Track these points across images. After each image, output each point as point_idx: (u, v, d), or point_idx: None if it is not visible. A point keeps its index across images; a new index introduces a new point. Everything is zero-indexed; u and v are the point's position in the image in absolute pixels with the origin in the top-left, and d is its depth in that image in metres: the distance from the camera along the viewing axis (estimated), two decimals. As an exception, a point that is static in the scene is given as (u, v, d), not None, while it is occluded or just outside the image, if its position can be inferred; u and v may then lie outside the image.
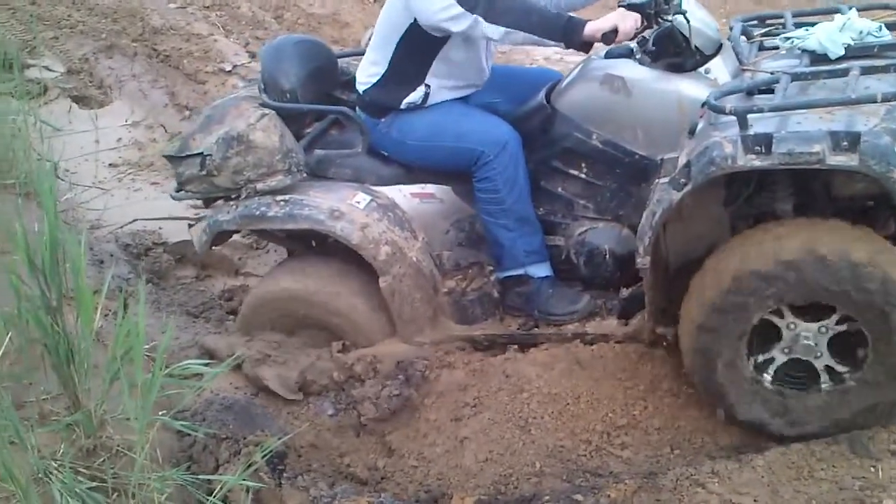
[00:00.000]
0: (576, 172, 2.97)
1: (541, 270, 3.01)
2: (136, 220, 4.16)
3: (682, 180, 2.45)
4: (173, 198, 3.11)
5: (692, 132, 2.56)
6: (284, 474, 2.44)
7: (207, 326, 3.39)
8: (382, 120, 3.03)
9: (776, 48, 2.82)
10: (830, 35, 2.61)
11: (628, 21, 2.62)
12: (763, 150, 2.32)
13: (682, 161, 2.49)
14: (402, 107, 2.99)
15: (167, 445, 2.42)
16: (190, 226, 4.10)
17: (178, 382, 2.28)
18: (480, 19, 2.68)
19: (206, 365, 2.51)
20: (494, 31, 2.71)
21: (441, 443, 2.73)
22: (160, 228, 4.09)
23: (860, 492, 2.30)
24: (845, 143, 2.25)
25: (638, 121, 2.79)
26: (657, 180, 2.59)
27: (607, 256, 2.96)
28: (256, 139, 2.86)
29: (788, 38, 2.77)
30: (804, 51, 2.66)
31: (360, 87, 3.07)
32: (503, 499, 2.53)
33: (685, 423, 2.74)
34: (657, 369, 2.84)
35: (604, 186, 2.95)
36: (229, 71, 5.63)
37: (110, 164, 4.77)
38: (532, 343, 2.97)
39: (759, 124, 2.37)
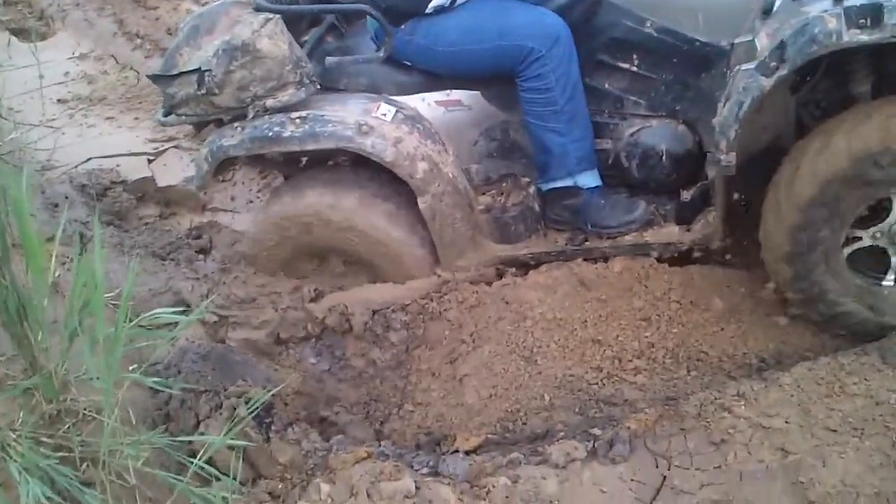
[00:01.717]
0: (626, 65, 2.72)
1: (591, 179, 2.77)
2: (91, 158, 3.82)
3: (774, 64, 2.23)
4: (161, 123, 2.74)
5: (767, 11, 2.36)
6: (272, 427, 2.22)
7: (178, 269, 3.12)
8: (402, 27, 2.68)
9: None
10: None
11: None
12: (871, 23, 2.10)
13: (765, 43, 2.27)
14: (429, 11, 2.67)
15: (140, 404, 2.19)
16: (150, 160, 3.90)
17: (147, 334, 2.04)
18: None
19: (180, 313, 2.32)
20: None
21: (437, 387, 2.53)
22: (118, 166, 3.77)
23: (897, 405, 2.13)
24: None
25: (699, 3, 2.58)
26: (738, 67, 2.35)
27: (664, 157, 2.74)
28: (263, 48, 2.50)
29: None
30: None
31: None
32: (512, 436, 2.34)
33: (699, 340, 2.57)
34: (664, 282, 2.66)
35: (658, 79, 2.71)
36: (182, -6, 5.25)
37: (58, 101, 4.39)
38: (586, 258, 2.75)
39: None
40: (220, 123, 2.71)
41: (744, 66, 2.32)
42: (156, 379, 2.05)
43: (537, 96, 2.65)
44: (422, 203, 2.65)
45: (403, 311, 2.67)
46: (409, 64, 2.77)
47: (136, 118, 4.26)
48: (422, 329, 2.63)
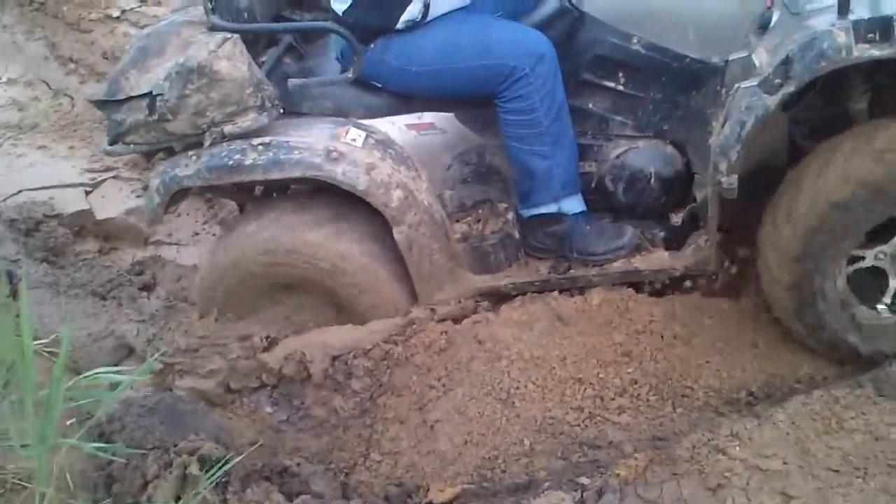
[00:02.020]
0: (611, 84, 2.59)
1: (575, 205, 2.63)
2: (22, 190, 3.58)
3: (778, 81, 2.12)
4: (107, 153, 2.53)
5: (764, 26, 2.28)
6: (229, 487, 2.01)
7: (120, 310, 2.89)
8: (371, 46, 2.51)
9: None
10: None
11: None
12: (881, 38, 2.02)
13: (765, 59, 2.18)
14: (400, 27, 2.50)
15: (79, 466, 1.97)
16: (87, 192, 3.66)
17: (86, 394, 1.82)
18: None
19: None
20: None
21: (406, 435, 2.34)
22: (52, 198, 3.51)
23: (899, 439, 2.02)
24: None
25: (689, 18, 2.47)
26: (737, 85, 2.24)
27: (652, 179, 2.61)
28: (221, 70, 2.30)
29: None
30: None
31: (339, 7, 2.53)
32: (491, 486, 2.16)
33: (683, 374, 2.42)
34: (645, 314, 2.52)
35: (645, 98, 2.58)
36: (118, 17, 5.00)
37: (-15, 129, 4.15)
38: (570, 288, 2.60)
39: (860, 9, 2.07)
40: (170, 152, 2.50)
41: (744, 84, 2.21)
42: (97, 445, 1.83)
43: (520, 118, 2.50)
44: (398, 234, 2.46)
45: (365, 357, 2.47)
46: (378, 85, 2.61)
47: (71, 147, 4.01)
48: (386, 375, 2.44)
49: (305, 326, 2.62)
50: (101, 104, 2.44)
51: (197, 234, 3.52)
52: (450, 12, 2.54)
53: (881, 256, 2.32)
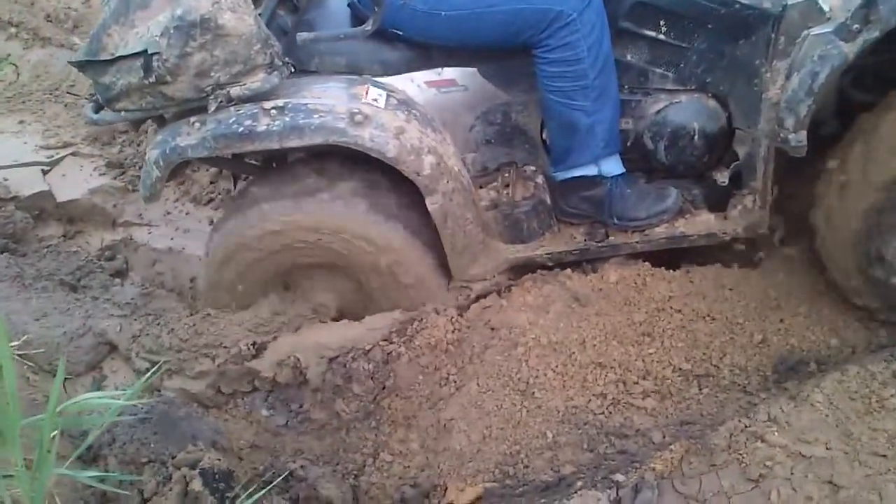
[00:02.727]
0: (652, 33, 2.38)
1: (615, 166, 2.45)
2: (-29, 172, 3.32)
3: (857, 27, 1.97)
4: (94, 122, 2.26)
5: None
6: (227, 495, 1.85)
7: (96, 303, 2.66)
8: None
9: None
10: None
11: None
12: None
13: (837, 3, 2.04)
14: None
15: (69, 488, 1.79)
16: (44, 171, 3.39)
17: (75, 423, 1.64)
18: None
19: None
20: None
21: (415, 437, 2.19)
22: (5, 180, 3.26)
23: (946, 416, 1.92)
24: None
25: None
26: (806, 32, 2.10)
27: (695, 136, 2.44)
28: (227, 24, 2.03)
29: None
30: None
31: None
32: (514, 484, 2.02)
33: (706, 351, 2.30)
34: (664, 290, 2.39)
35: (689, 48, 2.38)
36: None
37: (-82, 106, 3.85)
38: (610, 256, 2.47)
39: None
40: (160, 120, 2.29)
41: (814, 31, 2.07)
42: (91, 474, 1.65)
43: (565, 69, 2.28)
44: (431, 204, 2.28)
45: (365, 359, 2.30)
46: (398, 35, 2.37)
47: (21, 122, 3.74)
48: (390, 378, 2.28)
49: (325, 309, 2.48)
50: (83, 65, 2.16)
51: (169, 213, 3.30)
52: None
53: None
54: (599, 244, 2.47)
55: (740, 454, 1.89)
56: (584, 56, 2.26)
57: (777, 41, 2.21)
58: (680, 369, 2.24)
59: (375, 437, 2.23)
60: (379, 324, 2.36)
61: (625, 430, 2.10)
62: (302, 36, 2.31)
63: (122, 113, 2.19)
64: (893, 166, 2.09)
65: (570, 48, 2.25)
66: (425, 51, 2.41)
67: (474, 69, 2.43)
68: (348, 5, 2.48)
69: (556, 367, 2.20)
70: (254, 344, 2.32)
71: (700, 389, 2.21)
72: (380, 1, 2.22)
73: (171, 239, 3.14)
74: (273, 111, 2.15)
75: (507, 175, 2.52)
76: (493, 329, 2.29)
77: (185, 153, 2.19)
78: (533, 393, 2.17)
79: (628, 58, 2.43)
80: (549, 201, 2.49)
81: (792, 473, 1.83)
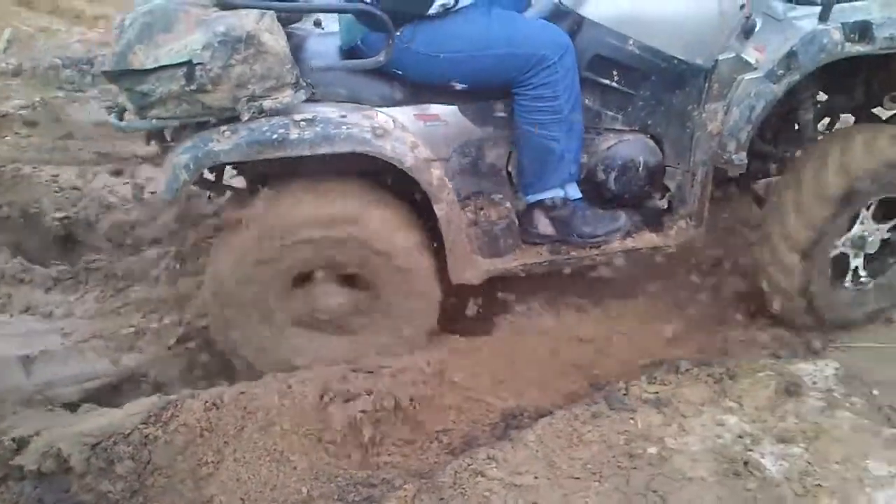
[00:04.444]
0: (607, 82, 2.81)
1: (575, 191, 2.85)
2: None
3: (782, 72, 2.66)
4: (120, 129, 2.44)
5: (748, 32, 2.73)
6: None
7: None
8: (399, 32, 2.54)
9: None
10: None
11: None
12: (862, 38, 2.62)
13: (759, 56, 2.71)
14: (433, 12, 2.58)
15: None
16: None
17: None
18: None
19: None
20: None
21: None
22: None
23: (626, 445, 2.33)
24: None
25: (679, 24, 2.74)
26: (741, 78, 2.73)
27: (640, 168, 2.88)
28: (267, 42, 2.29)
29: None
30: None
31: None
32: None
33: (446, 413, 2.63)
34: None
35: (635, 95, 2.84)
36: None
37: None
38: (574, 267, 2.91)
39: (840, 15, 2.64)
40: (160, 136, 2.51)
41: (747, 77, 2.70)
42: None
43: (543, 104, 2.66)
44: (439, 210, 2.62)
45: (126, 442, 2.37)
46: (397, 73, 2.66)
47: None
48: (150, 457, 2.37)
49: (339, 313, 2.74)
50: (117, 75, 2.31)
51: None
52: (474, 3, 2.65)
53: (846, 244, 2.88)
54: (565, 257, 2.89)
55: (463, 488, 2.20)
56: (561, 94, 2.65)
57: (711, 88, 2.77)
58: (419, 424, 2.53)
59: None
60: (136, 409, 2.47)
61: (372, 480, 2.37)
62: (315, 63, 2.58)
63: (153, 120, 2.37)
64: (840, 183, 2.69)
65: (550, 87, 2.63)
66: (417, 88, 2.69)
67: (455, 107, 2.75)
68: (350, 48, 2.72)
69: (307, 433, 2.43)
70: (13, 439, 2.36)
71: (438, 442, 2.52)
72: (393, 37, 2.50)
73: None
74: (303, 123, 2.44)
75: (477, 202, 2.87)
76: (248, 411, 2.46)
77: (217, 157, 2.41)
78: (289, 458, 2.39)
79: (586, 102, 2.85)
80: (517, 223, 2.85)
81: (505, 500, 2.17)
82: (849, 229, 2.84)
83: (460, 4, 2.62)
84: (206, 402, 2.47)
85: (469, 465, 2.26)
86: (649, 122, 2.90)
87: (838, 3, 2.64)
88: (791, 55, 2.64)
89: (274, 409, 2.47)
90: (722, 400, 2.50)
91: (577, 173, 2.86)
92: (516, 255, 2.87)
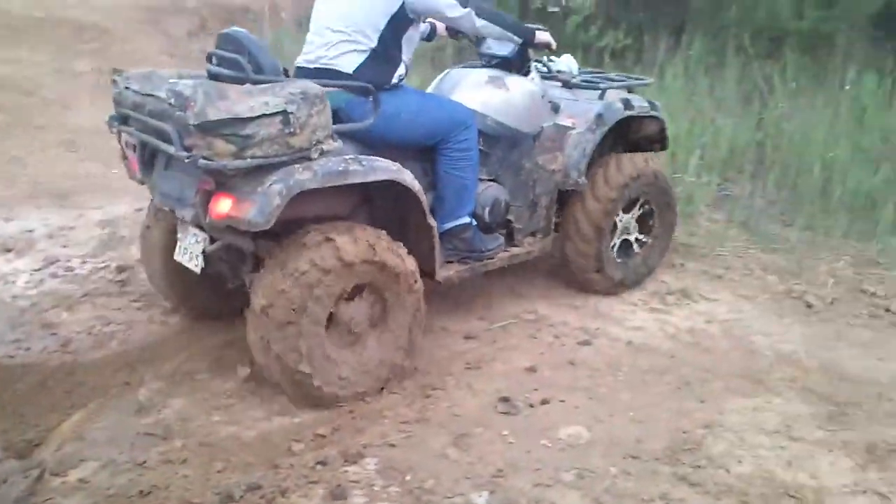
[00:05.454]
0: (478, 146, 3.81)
1: (472, 219, 3.77)
2: None
3: (594, 126, 4.08)
4: (211, 168, 2.76)
5: (556, 109, 4.12)
6: None
7: None
8: (369, 98, 3.25)
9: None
10: (570, 63, 4.42)
11: (552, 40, 3.90)
12: (628, 107, 4.20)
13: (574, 121, 4.08)
14: (394, 81, 3.39)
15: None
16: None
17: None
18: (472, 12, 3.50)
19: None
20: (480, 22, 3.55)
21: None
22: None
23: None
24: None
25: (514, 106, 3.90)
26: (570, 132, 4.07)
27: (503, 205, 3.93)
28: (327, 101, 2.95)
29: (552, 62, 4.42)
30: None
31: (350, 68, 3.31)
32: None
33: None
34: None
35: (492, 154, 3.96)
36: None
37: None
38: (485, 271, 3.94)
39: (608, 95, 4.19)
40: (219, 176, 2.85)
41: (575, 131, 4.07)
42: None
43: (464, 153, 3.59)
44: (431, 222, 3.50)
45: None
46: (368, 133, 3.31)
47: None
48: None
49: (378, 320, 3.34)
50: (217, 125, 2.69)
51: None
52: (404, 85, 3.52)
53: (621, 220, 4.34)
54: (479, 264, 3.85)
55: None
56: (473, 147, 3.63)
57: (541, 145, 4.08)
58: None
59: None
60: None
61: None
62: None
63: (248, 160, 2.78)
64: (612, 193, 4.15)
65: (468, 142, 3.61)
66: (371, 145, 3.34)
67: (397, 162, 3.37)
68: (334, 110, 3.13)
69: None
70: None
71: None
72: (378, 105, 3.24)
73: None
74: (350, 160, 3.09)
75: None
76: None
77: (304, 185, 2.91)
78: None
79: None
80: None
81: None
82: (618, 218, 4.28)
83: (405, 78, 3.50)
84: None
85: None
86: (500, 173, 4.01)
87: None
88: (599, 116, 4.08)
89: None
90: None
91: (473, 207, 3.78)
92: (448, 268, 3.76)
